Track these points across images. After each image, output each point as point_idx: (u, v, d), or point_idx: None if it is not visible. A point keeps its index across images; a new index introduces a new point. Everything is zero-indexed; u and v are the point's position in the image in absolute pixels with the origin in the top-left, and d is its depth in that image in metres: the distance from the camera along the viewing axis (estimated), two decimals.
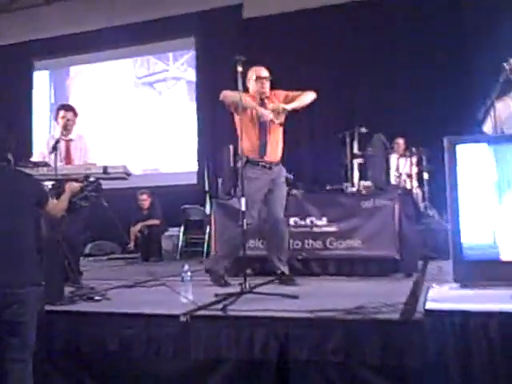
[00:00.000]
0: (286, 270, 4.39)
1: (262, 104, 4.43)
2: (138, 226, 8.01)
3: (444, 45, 8.11)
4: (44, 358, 3.24)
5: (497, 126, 4.39)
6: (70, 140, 4.99)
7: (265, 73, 4.51)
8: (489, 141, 2.79)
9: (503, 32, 7.68)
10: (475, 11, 7.96)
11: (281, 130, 4.48)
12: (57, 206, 3.16)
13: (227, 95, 4.39)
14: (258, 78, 4.47)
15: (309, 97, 4.43)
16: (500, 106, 4.42)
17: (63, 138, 4.92)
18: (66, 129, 4.96)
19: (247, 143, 4.30)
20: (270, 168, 4.40)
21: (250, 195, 3.98)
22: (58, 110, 5.07)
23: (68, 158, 4.96)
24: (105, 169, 4.51)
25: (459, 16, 7.99)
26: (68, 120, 4.95)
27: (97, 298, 3.91)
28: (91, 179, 3.19)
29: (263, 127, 4.38)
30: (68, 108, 5.07)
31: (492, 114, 4.39)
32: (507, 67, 4.21)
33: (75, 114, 5.02)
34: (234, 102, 4.26)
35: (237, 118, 4.27)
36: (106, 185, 4.98)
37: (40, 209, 2.89)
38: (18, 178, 2.82)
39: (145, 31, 9.81)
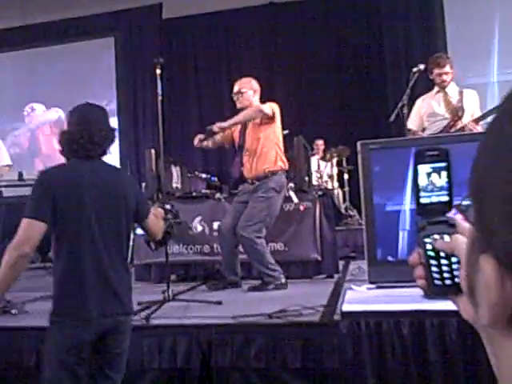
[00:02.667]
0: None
1: None
2: None
3: (361, 49, 8.41)
4: None
5: (420, 120, 4.62)
6: None
7: (235, 88, 4.47)
8: (401, 145, 2.91)
9: (415, 39, 8.08)
10: (390, 18, 8.30)
11: (260, 142, 4.35)
12: (158, 223, 2.47)
13: None
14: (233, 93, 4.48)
15: (246, 112, 4.31)
16: (421, 103, 4.66)
17: None
18: None
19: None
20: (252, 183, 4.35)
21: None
22: None
23: None
24: (20, 175, 4.36)
25: (376, 21, 8.28)
26: None
27: (13, 311, 3.76)
28: (168, 207, 2.75)
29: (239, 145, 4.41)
30: None
31: (413, 111, 4.62)
32: (416, 71, 4.44)
33: None
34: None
35: None
36: (20, 192, 4.81)
37: (138, 221, 2.33)
38: (120, 178, 2.30)
39: (62, 30, 9.52)
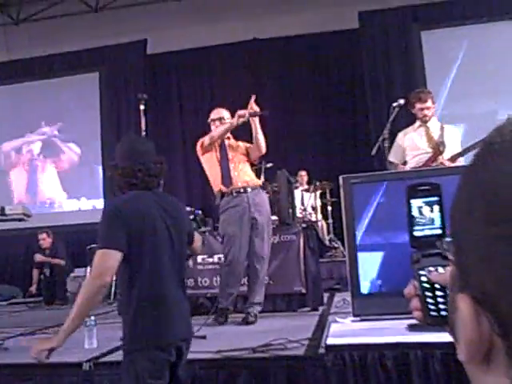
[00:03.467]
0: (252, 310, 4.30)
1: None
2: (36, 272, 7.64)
3: (343, 83, 8.59)
4: None
5: (401, 153, 4.69)
6: None
7: (214, 115, 4.68)
8: (381, 179, 2.95)
9: (395, 75, 8.27)
10: (371, 54, 8.51)
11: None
12: (198, 242, 2.58)
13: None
14: (211, 120, 4.66)
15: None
16: (403, 136, 4.73)
17: None
18: None
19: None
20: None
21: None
22: None
23: None
24: (2, 209, 4.33)
25: (357, 58, 8.48)
26: None
27: None
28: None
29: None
30: None
31: (395, 144, 4.69)
32: (396, 105, 4.53)
33: None
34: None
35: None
36: (1, 226, 4.77)
37: (189, 245, 2.39)
38: (179, 207, 2.37)
39: (47, 65, 9.59)
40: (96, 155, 9.57)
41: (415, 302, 0.68)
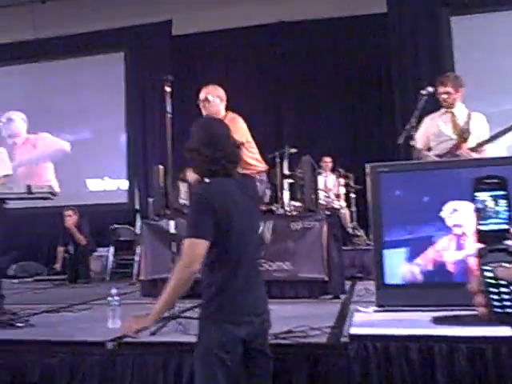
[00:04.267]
0: None
1: None
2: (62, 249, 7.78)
3: (370, 69, 8.46)
4: None
5: (426, 139, 4.63)
6: None
7: (201, 95, 4.48)
8: (410, 169, 2.91)
9: (423, 62, 8.12)
10: (398, 39, 8.37)
11: None
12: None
13: None
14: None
15: None
16: (429, 121, 4.67)
17: None
18: None
19: None
20: None
21: None
22: None
23: None
24: (29, 188, 4.37)
25: (384, 43, 8.35)
26: None
27: (18, 324, 3.76)
28: None
29: None
30: None
31: (420, 129, 4.63)
32: (424, 93, 4.45)
33: None
34: None
35: None
36: (29, 203, 4.84)
37: None
38: (255, 191, 2.50)
39: (73, 45, 9.63)
40: (120, 136, 9.62)
41: (479, 298, 0.66)
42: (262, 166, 4.71)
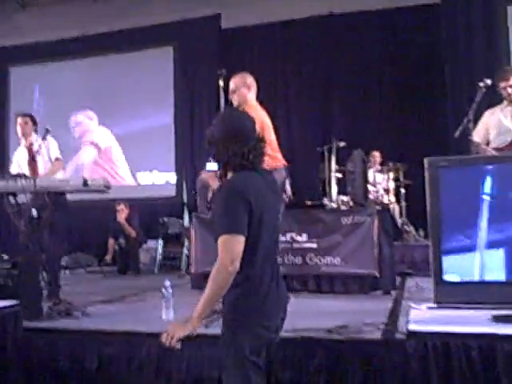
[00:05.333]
0: None
1: None
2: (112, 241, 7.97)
3: (421, 62, 8.28)
4: (21, 376, 3.20)
5: (486, 133, 4.52)
6: (31, 145, 5.01)
7: (231, 85, 4.30)
8: (470, 163, 2.83)
9: (477, 53, 7.90)
10: (451, 30, 8.15)
11: None
12: None
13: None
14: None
15: None
16: (489, 115, 4.57)
17: (25, 145, 5.00)
18: (24, 135, 5.04)
19: None
20: None
21: None
22: (16, 119, 5.20)
23: (33, 163, 4.97)
24: (84, 181, 4.48)
25: (436, 34, 8.16)
26: (25, 124, 5.04)
27: (76, 314, 3.87)
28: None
29: None
30: (23, 115, 5.16)
31: (480, 123, 4.53)
32: (482, 86, 4.33)
33: (32, 120, 5.10)
34: None
35: None
36: (82, 196, 4.97)
37: None
38: (277, 186, 2.41)
39: (122, 40, 9.79)
40: (169, 130, 9.74)
41: None
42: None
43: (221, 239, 1.99)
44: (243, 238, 1.99)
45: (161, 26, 9.61)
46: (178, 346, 2.02)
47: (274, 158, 4.26)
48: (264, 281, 2.08)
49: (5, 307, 3.24)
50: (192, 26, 9.47)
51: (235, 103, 4.29)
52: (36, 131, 5.15)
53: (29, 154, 4.99)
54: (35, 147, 4.99)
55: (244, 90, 4.18)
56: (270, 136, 4.32)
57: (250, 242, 2.02)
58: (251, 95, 4.27)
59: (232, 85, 4.26)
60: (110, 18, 9.68)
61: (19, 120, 5.09)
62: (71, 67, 10.32)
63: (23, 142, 5.10)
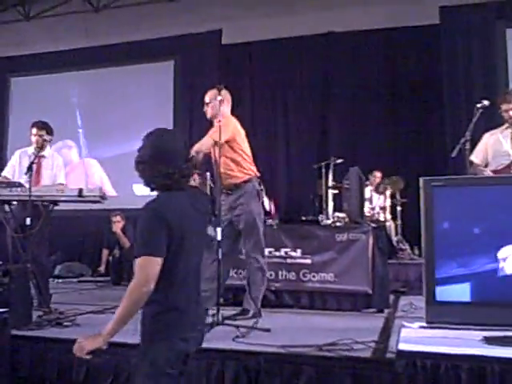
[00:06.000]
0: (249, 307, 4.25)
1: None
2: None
3: (419, 81, 8.32)
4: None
5: (485, 154, 4.56)
6: (43, 156, 4.97)
7: (205, 98, 4.47)
8: (466, 183, 2.84)
9: (476, 74, 7.95)
10: (450, 51, 8.21)
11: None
12: None
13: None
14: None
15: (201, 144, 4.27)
16: (489, 137, 4.61)
17: (35, 154, 4.87)
18: (39, 146, 4.94)
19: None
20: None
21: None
22: (31, 127, 5.05)
23: (37, 175, 4.92)
24: (80, 191, 4.48)
25: (435, 55, 8.21)
26: (40, 137, 4.94)
27: (66, 323, 3.84)
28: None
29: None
30: (41, 126, 5.03)
31: (479, 144, 4.55)
32: (480, 106, 4.36)
33: (48, 133, 4.99)
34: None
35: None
36: (77, 206, 4.96)
37: None
38: (206, 205, 2.42)
39: (124, 52, 9.83)
40: None
41: None
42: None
43: (138, 260, 2.02)
44: (160, 260, 2.02)
45: (162, 40, 9.65)
46: (88, 357, 2.06)
47: (247, 168, 4.36)
48: (182, 298, 2.12)
49: None
50: (193, 40, 9.52)
51: (208, 115, 4.45)
52: (51, 140, 5.10)
53: (37, 165, 4.83)
54: (47, 162, 4.98)
55: (217, 103, 4.26)
56: (242, 147, 4.42)
57: (168, 262, 2.05)
58: (225, 108, 4.38)
59: (206, 98, 4.43)
60: (112, 30, 9.74)
61: (34, 131, 4.97)
62: (74, 78, 10.37)
63: (33, 149, 5.00)
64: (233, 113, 4.60)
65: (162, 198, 2.15)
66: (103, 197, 4.56)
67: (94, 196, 4.41)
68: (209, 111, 4.42)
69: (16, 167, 5.08)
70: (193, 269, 2.18)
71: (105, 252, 8.01)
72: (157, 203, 2.12)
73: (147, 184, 2.21)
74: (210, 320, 3.63)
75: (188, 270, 2.14)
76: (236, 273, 4.91)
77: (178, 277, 2.10)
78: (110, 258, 7.90)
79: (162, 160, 2.14)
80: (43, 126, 5.03)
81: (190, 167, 2.19)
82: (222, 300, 4.61)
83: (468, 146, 4.15)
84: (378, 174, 7.75)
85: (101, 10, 10.03)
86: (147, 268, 2.01)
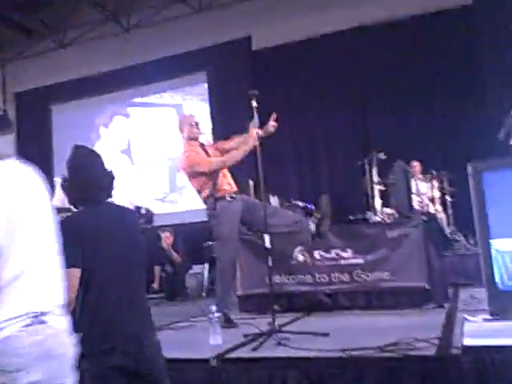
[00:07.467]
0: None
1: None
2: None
3: (456, 65, 8.11)
4: None
5: None
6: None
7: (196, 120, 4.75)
8: None
9: None
10: (489, 30, 7.97)
11: None
12: None
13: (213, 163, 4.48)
14: (196, 123, 4.68)
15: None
16: None
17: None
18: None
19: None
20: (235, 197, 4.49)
21: None
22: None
23: None
24: (138, 209, 4.55)
25: (474, 39, 7.99)
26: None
27: None
28: (142, 211, 3.02)
29: None
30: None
31: None
32: None
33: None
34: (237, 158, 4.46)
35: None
36: None
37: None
38: (130, 218, 2.56)
39: (157, 69, 9.97)
40: None
41: None
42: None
43: None
44: (76, 271, 2.12)
45: (194, 53, 9.75)
46: None
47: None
48: (103, 311, 2.18)
49: None
50: (224, 50, 9.59)
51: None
52: None
53: None
54: None
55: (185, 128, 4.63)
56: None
57: (86, 273, 2.14)
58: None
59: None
60: (144, 49, 9.90)
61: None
62: (109, 101, 10.61)
63: None
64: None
65: (78, 212, 2.31)
66: (151, 214, 4.62)
67: (142, 215, 4.47)
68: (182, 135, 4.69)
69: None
70: (119, 279, 2.23)
71: (157, 269, 8.09)
72: (70, 218, 2.28)
73: (68, 199, 2.35)
74: (266, 328, 3.60)
75: (110, 279, 2.21)
76: (288, 279, 4.86)
77: (97, 287, 2.18)
78: (163, 274, 7.97)
79: (77, 173, 2.30)
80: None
81: (107, 181, 2.33)
82: (277, 307, 4.61)
83: None
84: (415, 163, 7.55)
85: (131, 29, 10.20)
86: (67, 278, 2.04)
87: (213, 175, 4.44)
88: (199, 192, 4.53)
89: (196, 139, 4.66)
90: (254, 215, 4.33)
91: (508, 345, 2.18)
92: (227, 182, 4.52)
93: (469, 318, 2.98)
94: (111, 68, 10.23)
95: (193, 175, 4.53)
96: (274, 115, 4.35)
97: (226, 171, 4.58)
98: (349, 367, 2.78)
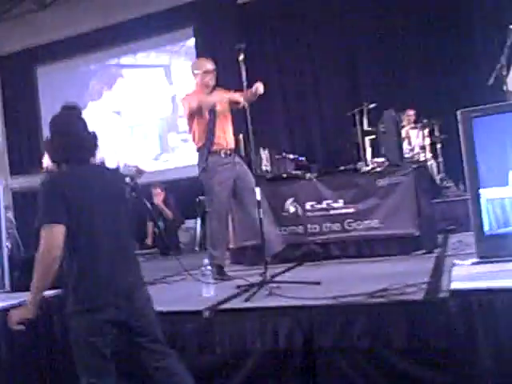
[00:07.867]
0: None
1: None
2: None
3: (446, 13, 7.94)
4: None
5: None
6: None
7: (212, 66, 4.52)
8: (507, 110, 2.69)
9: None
10: None
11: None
12: None
13: (203, 101, 4.33)
14: (207, 71, 4.47)
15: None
16: None
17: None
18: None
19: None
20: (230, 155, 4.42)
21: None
22: None
23: None
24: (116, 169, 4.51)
25: None
26: None
27: None
28: (127, 180, 3.01)
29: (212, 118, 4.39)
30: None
31: None
32: None
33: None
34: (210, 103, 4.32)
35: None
36: None
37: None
38: (114, 177, 2.58)
39: (143, 27, 9.73)
40: None
41: None
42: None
43: (42, 230, 2.16)
44: (62, 227, 2.16)
45: (179, 8, 9.49)
46: (20, 327, 2.22)
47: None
48: (93, 269, 2.23)
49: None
50: (208, 4, 9.33)
51: (213, 82, 4.50)
52: None
53: None
54: None
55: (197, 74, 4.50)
56: None
57: (71, 229, 2.18)
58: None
59: (213, 65, 4.52)
60: (128, 6, 9.62)
61: None
62: (96, 60, 10.40)
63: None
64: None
65: (59, 170, 2.34)
66: (140, 171, 4.59)
67: (130, 170, 4.42)
68: (213, 78, 4.50)
69: None
70: (109, 237, 2.27)
71: (149, 225, 8.12)
72: (52, 177, 2.34)
73: (51, 158, 2.39)
74: (259, 279, 3.63)
75: (100, 238, 2.25)
76: (280, 230, 4.88)
77: (86, 245, 2.22)
78: (156, 229, 8.01)
79: (60, 132, 2.32)
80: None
81: (90, 140, 2.34)
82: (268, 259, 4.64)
83: (504, 71, 3.94)
84: (411, 112, 7.52)
85: None
86: (50, 236, 2.15)
87: (209, 125, 4.35)
88: (194, 140, 4.46)
89: (207, 87, 4.48)
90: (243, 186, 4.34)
91: (495, 286, 2.20)
92: (224, 138, 4.41)
93: (458, 262, 3.01)
94: (94, 27, 9.95)
95: (188, 121, 4.46)
96: (260, 85, 4.28)
97: (226, 128, 4.47)
98: (339, 314, 2.82)
